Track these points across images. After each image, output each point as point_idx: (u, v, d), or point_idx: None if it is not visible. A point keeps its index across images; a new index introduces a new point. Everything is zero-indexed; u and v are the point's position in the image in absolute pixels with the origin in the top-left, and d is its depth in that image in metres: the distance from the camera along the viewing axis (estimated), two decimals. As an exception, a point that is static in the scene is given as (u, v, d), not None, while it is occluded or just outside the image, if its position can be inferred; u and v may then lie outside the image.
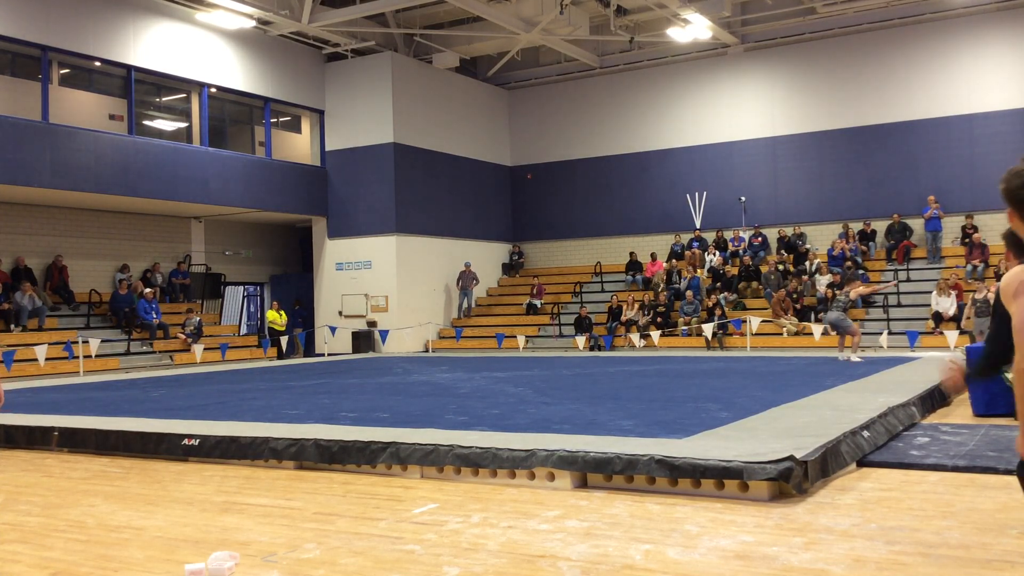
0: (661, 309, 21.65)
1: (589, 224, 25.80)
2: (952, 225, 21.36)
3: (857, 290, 15.29)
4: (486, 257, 26.17)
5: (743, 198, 23.69)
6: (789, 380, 11.60)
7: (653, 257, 23.99)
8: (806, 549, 4.52)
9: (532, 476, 6.20)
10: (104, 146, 18.63)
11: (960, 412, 9.38)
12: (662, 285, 22.89)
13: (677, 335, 20.81)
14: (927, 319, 18.89)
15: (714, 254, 23.05)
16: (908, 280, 20.73)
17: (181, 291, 21.96)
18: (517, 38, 22.89)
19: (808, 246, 22.39)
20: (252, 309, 26.79)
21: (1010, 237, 3.90)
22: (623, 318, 21.83)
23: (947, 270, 19.92)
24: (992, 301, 14.55)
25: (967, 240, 20.53)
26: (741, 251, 23.06)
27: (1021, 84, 20.94)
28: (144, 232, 21.74)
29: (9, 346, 16.80)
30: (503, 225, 26.89)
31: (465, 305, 24.15)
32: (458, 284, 24.16)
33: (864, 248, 21.83)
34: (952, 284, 18.74)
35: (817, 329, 18.87)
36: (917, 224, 21.51)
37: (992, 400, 8.91)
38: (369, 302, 23.27)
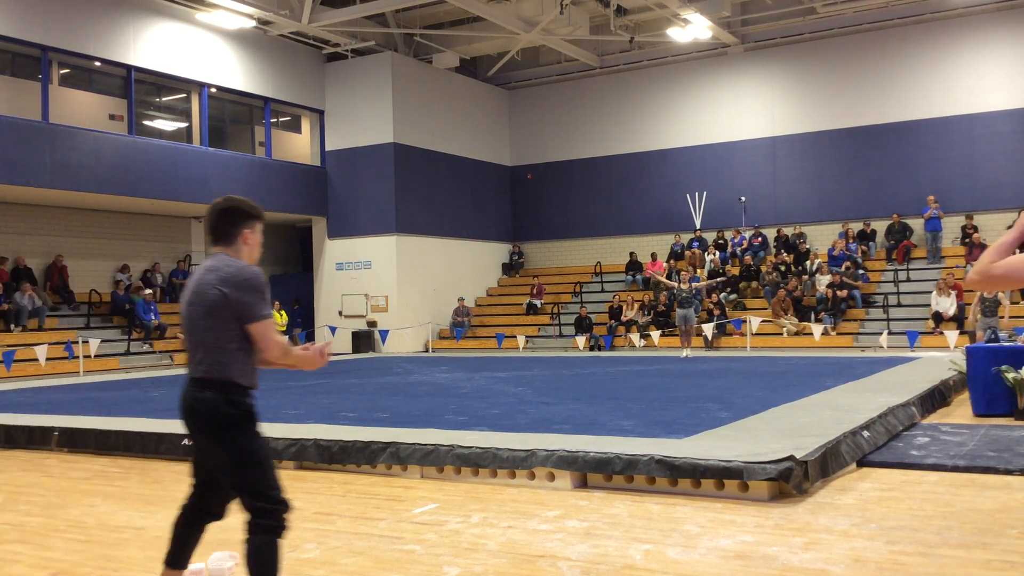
0: (661, 309, 21.64)
1: (589, 224, 25.80)
2: (952, 225, 21.35)
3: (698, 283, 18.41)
4: (486, 257, 26.17)
5: (743, 198, 23.68)
6: (789, 380, 11.60)
7: (653, 257, 23.98)
8: (806, 549, 4.52)
9: (532, 476, 6.21)
10: (104, 146, 18.63)
11: (960, 412, 9.38)
12: (661, 284, 22.84)
13: (677, 335, 20.78)
14: (927, 319, 18.89)
15: (714, 254, 23.04)
16: (908, 280, 20.73)
17: (181, 291, 21.93)
18: (517, 38, 22.88)
19: (808, 246, 22.39)
20: (252, 309, 26.73)
21: None
22: (623, 318, 21.83)
23: (947, 270, 19.91)
24: (1000, 300, 14.65)
25: (967, 240, 20.53)
26: (740, 251, 23.06)
27: (1021, 84, 20.93)
28: (144, 232, 21.73)
29: (9, 346, 16.80)
30: (503, 225, 26.88)
31: (458, 332, 23.79)
32: (454, 318, 23.95)
33: (864, 248, 21.83)
34: (951, 284, 18.74)
35: (817, 329, 18.88)
36: (917, 224, 21.51)
37: (992, 400, 8.92)
38: (369, 302, 23.26)
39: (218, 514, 3.80)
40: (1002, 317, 14.06)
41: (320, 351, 3.67)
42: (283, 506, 3.50)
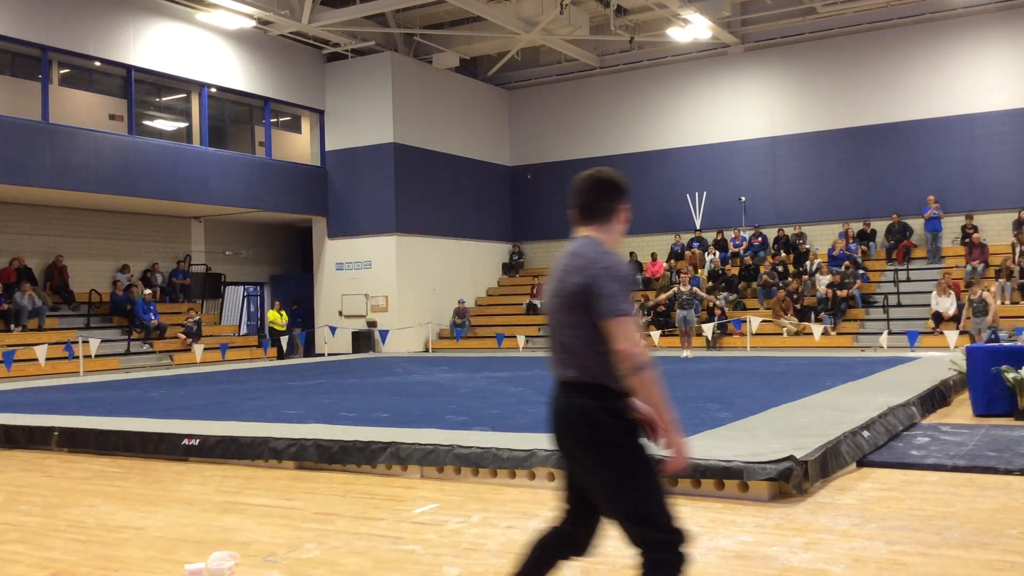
0: (661, 309, 21.63)
1: (589, 224, 25.71)
2: (952, 225, 21.35)
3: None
4: (486, 257, 26.17)
5: (743, 198, 23.68)
6: (789, 380, 11.60)
7: (653, 257, 23.98)
8: (806, 549, 4.52)
9: (532, 476, 6.21)
10: (104, 146, 18.62)
11: (960, 412, 9.38)
12: (660, 302, 22.72)
13: (677, 335, 20.78)
14: (927, 319, 18.89)
15: (714, 254, 23.04)
16: (908, 280, 20.73)
17: (181, 291, 21.96)
18: (517, 38, 22.88)
19: (808, 246, 22.39)
20: (252, 309, 26.78)
21: None
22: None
23: (946, 270, 19.90)
24: (987, 301, 14.71)
25: (967, 240, 20.53)
26: (742, 251, 23.06)
27: (1021, 84, 20.93)
28: (144, 232, 21.73)
29: (9, 346, 16.79)
30: (503, 225, 26.88)
31: (458, 332, 23.76)
32: (454, 319, 23.97)
33: (864, 248, 21.83)
34: (951, 284, 18.74)
35: (817, 329, 18.88)
36: (917, 224, 21.51)
37: (992, 400, 8.91)
38: (369, 302, 23.26)
39: (582, 550, 3.16)
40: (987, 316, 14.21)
41: (686, 453, 3.02)
42: (678, 536, 2.94)
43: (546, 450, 6.18)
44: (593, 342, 2.94)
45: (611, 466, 2.92)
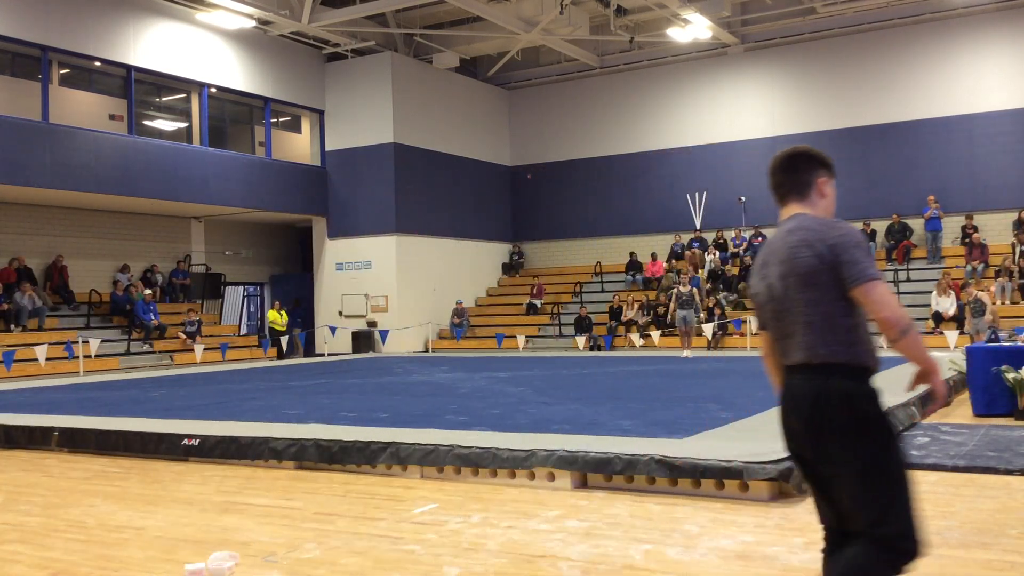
0: (661, 309, 21.64)
1: (589, 224, 25.79)
2: (952, 225, 21.35)
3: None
4: (486, 257, 26.16)
5: (743, 198, 23.67)
6: (789, 380, 11.57)
7: (653, 257, 23.98)
8: (806, 549, 4.52)
9: (532, 476, 6.21)
10: (104, 146, 18.62)
11: (960, 412, 9.38)
12: (673, 287, 22.74)
13: (677, 335, 20.79)
14: (927, 319, 18.88)
15: (714, 254, 23.04)
16: (908, 280, 20.73)
17: (181, 291, 21.95)
18: (517, 38, 22.88)
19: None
20: (252, 309, 26.78)
21: None
22: (623, 318, 21.82)
23: (946, 270, 19.90)
24: (983, 301, 14.75)
25: (967, 240, 20.54)
26: (742, 251, 23.06)
27: (1021, 84, 20.93)
28: (144, 232, 21.73)
29: (9, 346, 16.79)
30: (503, 225, 26.88)
31: (458, 332, 23.74)
32: (452, 319, 23.91)
33: (864, 248, 21.80)
34: (950, 283, 18.74)
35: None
36: (917, 224, 21.50)
37: (992, 400, 8.91)
38: (369, 302, 23.26)
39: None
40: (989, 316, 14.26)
41: (944, 389, 2.94)
42: (915, 548, 2.71)
43: (546, 450, 6.18)
44: (841, 316, 2.80)
45: (862, 455, 2.73)
